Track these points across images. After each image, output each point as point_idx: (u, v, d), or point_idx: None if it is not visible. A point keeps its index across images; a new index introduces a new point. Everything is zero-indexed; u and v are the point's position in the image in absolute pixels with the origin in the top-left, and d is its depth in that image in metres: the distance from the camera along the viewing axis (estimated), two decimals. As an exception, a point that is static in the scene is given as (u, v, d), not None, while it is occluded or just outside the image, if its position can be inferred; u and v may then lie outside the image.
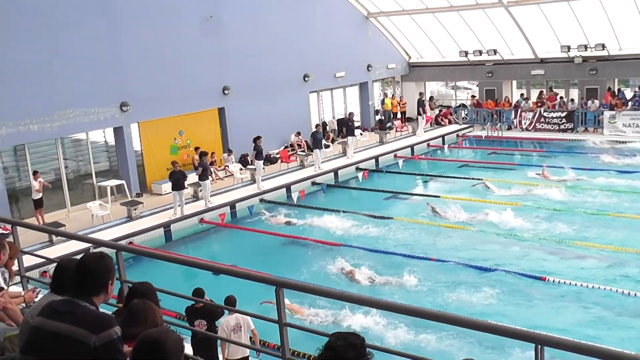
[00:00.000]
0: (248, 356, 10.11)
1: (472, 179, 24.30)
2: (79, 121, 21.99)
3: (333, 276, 15.87)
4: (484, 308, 13.72)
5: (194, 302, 10.17)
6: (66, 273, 4.52)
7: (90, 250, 5.26)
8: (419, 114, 32.63)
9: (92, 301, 4.03)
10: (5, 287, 5.85)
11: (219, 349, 10.34)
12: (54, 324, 3.90)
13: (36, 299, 6.00)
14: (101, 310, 4.08)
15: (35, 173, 20.34)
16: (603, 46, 30.06)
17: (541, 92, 34.15)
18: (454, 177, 24.84)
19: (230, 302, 10.18)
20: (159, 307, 5.10)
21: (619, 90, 31.77)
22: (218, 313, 10.49)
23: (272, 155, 27.98)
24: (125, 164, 23.75)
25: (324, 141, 29.43)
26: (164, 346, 3.45)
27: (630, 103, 30.49)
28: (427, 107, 34.61)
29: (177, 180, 20.70)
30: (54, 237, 18.00)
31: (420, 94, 34.17)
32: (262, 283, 5.79)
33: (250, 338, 10.60)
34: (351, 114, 30.00)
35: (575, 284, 14.53)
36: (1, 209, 19.45)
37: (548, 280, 14.88)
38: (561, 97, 33.07)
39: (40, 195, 20.20)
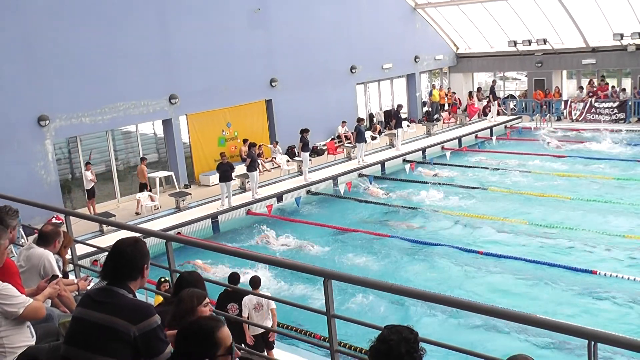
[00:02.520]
0: (268, 332, 10.13)
1: (520, 170, 23.95)
2: (129, 114, 22.31)
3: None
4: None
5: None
6: None
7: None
8: (493, 99, 33.26)
9: (129, 287, 4.04)
10: (60, 275, 5.96)
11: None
12: (94, 314, 3.92)
13: (88, 287, 6.12)
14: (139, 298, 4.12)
15: (87, 164, 20.74)
16: (658, 34, 29.22)
17: (591, 80, 33.40)
18: (500, 169, 24.49)
19: (255, 281, 10.38)
20: (206, 296, 5.15)
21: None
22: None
23: (318, 147, 27.97)
24: (173, 156, 24.02)
25: (370, 133, 29.38)
26: (196, 334, 3.44)
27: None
28: (475, 99, 34.35)
29: (225, 172, 20.84)
30: (104, 226, 18.36)
31: (493, 81, 34.90)
32: (310, 274, 5.79)
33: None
34: (400, 106, 29.81)
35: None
36: (54, 199, 19.84)
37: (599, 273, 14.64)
38: (613, 87, 32.31)
39: (92, 185, 20.58)
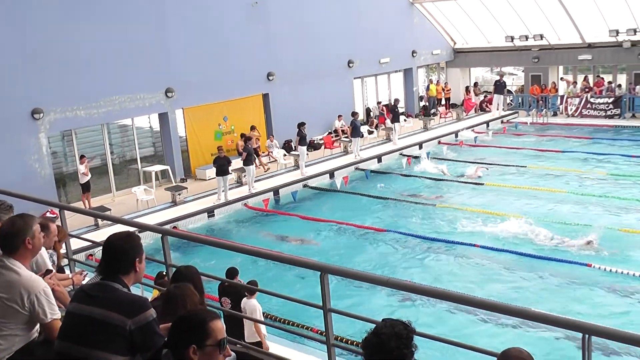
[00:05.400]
0: (257, 342, 9.86)
1: (516, 165, 24.00)
2: (124, 107, 22.24)
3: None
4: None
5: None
6: None
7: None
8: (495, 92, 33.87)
9: (123, 281, 4.01)
10: (54, 270, 5.93)
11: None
12: (88, 308, 3.90)
13: (83, 282, 6.09)
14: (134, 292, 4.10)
15: (82, 157, 20.68)
16: (654, 30, 29.29)
17: (586, 77, 33.46)
18: (497, 164, 24.51)
19: (252, 284, 10.26)
20: (202, 291, 5.12)
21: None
22: (242, 293, 10.52)
23: (315, 141, 27.95)
24: (170, 150, 23.98)
25: (367, 127, 29.40)
26: (183, 323, 3.41)
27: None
28: (472, 94, 34.46)
29: (222, 166, 20.84)
30: (99, 221, 18.32)
31: (500, 75, 35.22)
32: (306, 268, 5.79)
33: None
34: (397, 100, 29.88)
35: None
36: (49, 193, 19.77)
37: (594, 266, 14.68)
38: (609, 82, 32.36)
39: (87, 179, 20.53)
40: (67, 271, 7.33)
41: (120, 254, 4.03)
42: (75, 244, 9.29)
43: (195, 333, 3.34)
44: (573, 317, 10.61)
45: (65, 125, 21.08)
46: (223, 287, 10.64)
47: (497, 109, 33.51)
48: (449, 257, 16.12)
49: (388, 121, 29.31)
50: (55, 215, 15.32)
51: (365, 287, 13.67)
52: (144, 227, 8.15)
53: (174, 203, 20.92)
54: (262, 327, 10.21)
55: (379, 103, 31.03)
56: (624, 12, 29.31)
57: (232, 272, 10.56)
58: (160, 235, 6.46)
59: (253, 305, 10.17)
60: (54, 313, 4.48)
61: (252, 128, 25.89)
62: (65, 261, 7.47)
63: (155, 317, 3.90)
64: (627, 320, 12.22)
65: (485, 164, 24.25)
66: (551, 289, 14.11)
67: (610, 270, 14.41)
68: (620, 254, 15.33)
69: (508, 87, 37.09)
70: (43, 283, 4.54)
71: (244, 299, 10.29)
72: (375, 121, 31.48)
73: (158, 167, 23.59)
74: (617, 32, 30.11)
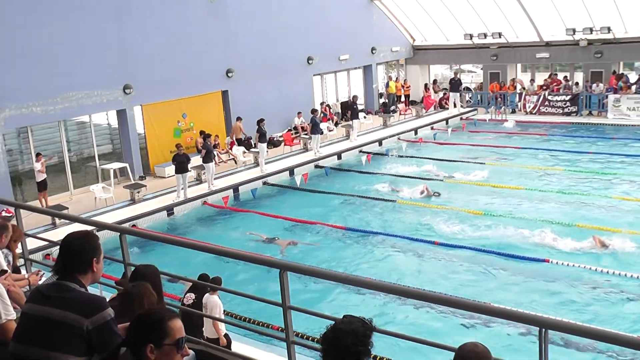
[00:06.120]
0: (217, 339, 9.99)
1: (475, 162, 24.24)
2: (82, 103, 21.91)
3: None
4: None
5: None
6: None
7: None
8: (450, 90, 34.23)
9: (80, 281, 3.96)
10: (9, 270, 5.84)
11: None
12: (44, 309, 3.85)
13: (40, 282, 6.00)
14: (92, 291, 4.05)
15: (38, 155, 20.34)
16: (609, 29, 29.84)
17: (551, 74, 33.95)
18: (456, 161, 24.73)
19: (216, 281, 10.20)
20: (160, 290, 5.09)
21: (621, 74, 31.57)
22: (207, 290, 10.47)
23: (275, 139, 27.90)
24: (128, 147, 23.71)
25: (326, 124, 29.43)
26: (142, 322, 3.39)
27: (634, 87, 30.34)
28: (432, 91, 34.74)
29: (181, 163, 20.68)
30: (57, 219, 18.07)
31: (455, 73, 35.72)
32: (265, 266, 5.78)
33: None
34: (355, 97, 29.94)
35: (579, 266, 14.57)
36: (4, 191, 19.40)
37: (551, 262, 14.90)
38: (567, 80, 32.89)
39: (44, 177, 20.21)
40: (24, 271, 7.23)
41: (77, 253, 3.98)
42: (31, 243, 9.13)
43: (153, 332, 3.32)
44: (531, 311, 10.82)
45: (21, 122, 20.69)
46: (194, 284, 10.60)
47: (455, 107, 33.80)
48: (409, 254, 16.23)
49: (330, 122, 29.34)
50: (11, 215, 15.08)
51: (328, 285, 13.69)
52: (101, 226, 8.06)
53: (133, 201, 20.71)
54: (222, 324, 10.17)
55: (322, 103, 30.63)
56: (580, 12, 29.79)
57: (203, 279, 10.41)
58: (119, 234, 6.39)
59: (214, 302, 10.12)
60: (9, 314, 4.41)
61: (238, 119, 26.55)
62: (21, 261, 7.36)
63: (113, 317, 3.86)
64: (592, 315, 12.44)
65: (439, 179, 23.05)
66: (510, 284, 14.29)
67: (568, 265, 14.66)
68: (578, 249, 15.57)
69: (467, 85, 37.51)
70: None
71: (206, 295, 10.25)
72: (336, 118, 31.56)
73: (116, 165, 23.32)
74: (574, 31, 30.61)
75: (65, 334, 3.76)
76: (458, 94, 33.95)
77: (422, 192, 20.70)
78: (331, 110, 32.10)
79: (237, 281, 14.09)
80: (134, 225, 18.28)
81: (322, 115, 29.27)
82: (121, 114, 23.50)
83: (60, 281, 3.94)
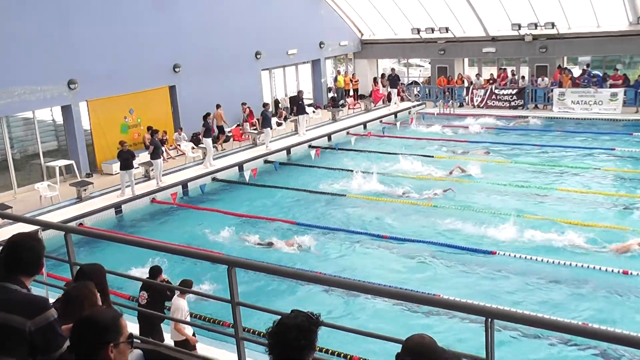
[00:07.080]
0: (183, 341, 9.89)
1: (423, 155, 24.42)
2: (25, 99, 21.41)
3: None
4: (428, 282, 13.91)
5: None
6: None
7: (39, 233, 5.14)
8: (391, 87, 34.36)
9: (22, 282, 3.90)
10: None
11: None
12: None
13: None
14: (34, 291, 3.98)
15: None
16: (553, 25, 30.58)
17: (500, 68, 34.45)
18: (405, 154, 24.89)
19: (186, 284, 10.12)
20: (106, 289, 5.00)
21: (565, 68, 32.29)
22: (162, 291, 10.31)
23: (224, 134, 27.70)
24: (74, 144, 23.28)
25: (276, 119, 29.36)
26: (97, 323, 3.35)
27: (580, 80, 31.08)
28: (380, 85, 34.94)
29: (126, 160, 20.37)
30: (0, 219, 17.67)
31: (392, 69, 35.84)
32: (214, 262, 5.75)
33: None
34: (300, 92, 29.90)
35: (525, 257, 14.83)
36: (-55, 190, 18.95)
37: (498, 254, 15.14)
38: (513, 74, 33.44)
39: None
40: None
41: (28, 255, 3.94)
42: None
43: (110, 331, 3.31)
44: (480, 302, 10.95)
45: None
46: (144, 283, 10.45)
47: (395, 103, 33.97)
48: (359, 248, 16.31)
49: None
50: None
51: (279, 280, 13.68)
52: (46, 225, 7.93)
53: (80, 199, 20.36)
54: (188, 326, 10.05)
55: (243, 104, 30.09)
56: (525, 7, 30.39)
57: (154, 271, 10.31)
58: (64, 233, 6.29)
59: (177, 305, 10.01)
60: None
61: (218, 106, 26.53)
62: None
63: (56, 317, 3.80)
64: (535, 305, 12.68)
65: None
66: (457, 276, 14.47)
67: (515, 256, 14.92)
68: (526, 239, 15.85)
69: (415, 79, 37.85)
70: None
71: (174, 297, 10.13)
72: (285, 112, 31.51)
73: (62, 162, 22.88)
74: (519, 26, 31.24)
75: (7, 338, 3.68)
76: (396, 90, 34.10)
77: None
78: (280, 105, 31.98)
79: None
80: (80, 224, 18.02)
81: (248, 115, 28.93)
82: (66, 110, 23.05)
83: (1, 283, 3.86)
